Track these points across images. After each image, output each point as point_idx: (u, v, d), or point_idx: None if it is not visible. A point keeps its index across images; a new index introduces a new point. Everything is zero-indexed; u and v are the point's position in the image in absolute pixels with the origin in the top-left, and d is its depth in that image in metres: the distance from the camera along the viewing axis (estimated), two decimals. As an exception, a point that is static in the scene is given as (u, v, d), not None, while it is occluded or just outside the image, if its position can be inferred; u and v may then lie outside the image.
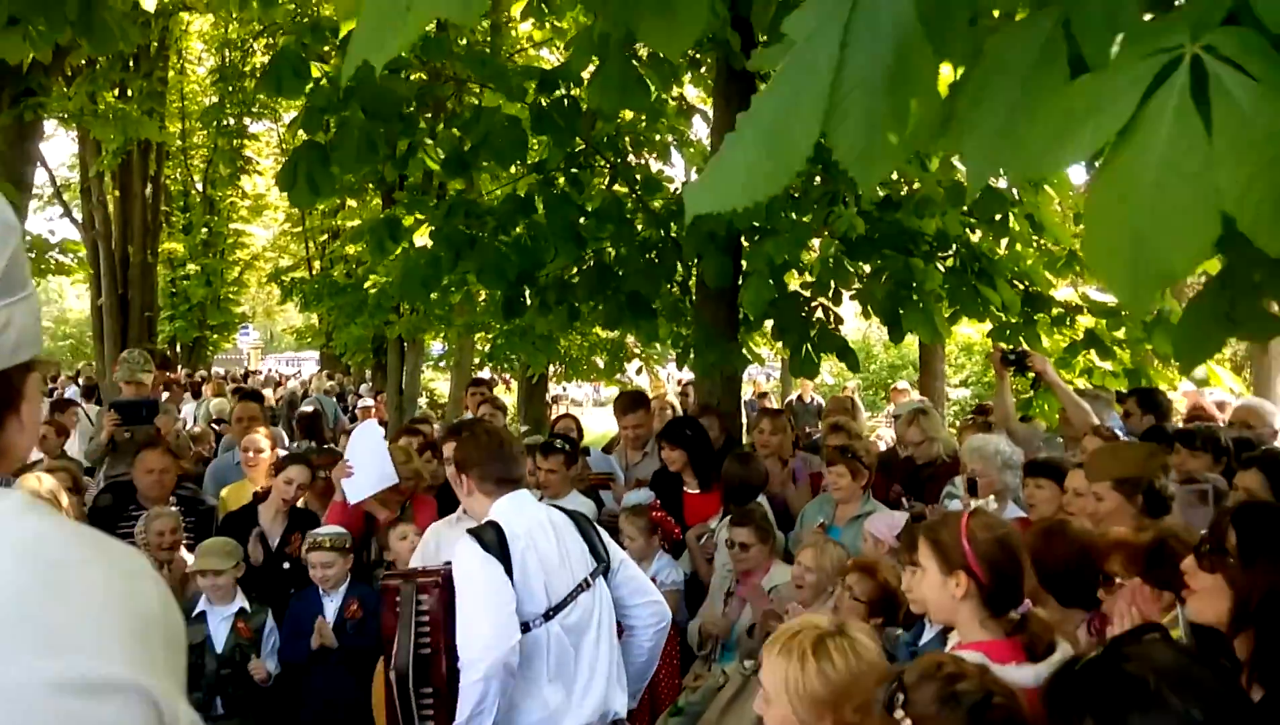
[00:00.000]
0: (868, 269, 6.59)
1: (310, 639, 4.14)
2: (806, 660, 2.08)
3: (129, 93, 12.41)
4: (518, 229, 6.34)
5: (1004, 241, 7.10)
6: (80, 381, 16.49)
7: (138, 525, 4.64)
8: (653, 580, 4.79)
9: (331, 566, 4.25)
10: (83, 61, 9.54)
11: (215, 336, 21.07)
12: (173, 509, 4.79)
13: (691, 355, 6.71)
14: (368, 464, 4.63)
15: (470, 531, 2.98)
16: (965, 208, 6.52)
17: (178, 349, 21.16)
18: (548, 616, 2.98)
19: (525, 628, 2.89)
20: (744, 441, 6.32)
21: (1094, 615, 2.77)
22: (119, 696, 0.68)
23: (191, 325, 20.97)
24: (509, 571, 2.89)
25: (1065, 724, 1.49)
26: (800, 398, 14.44)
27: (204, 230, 21.71)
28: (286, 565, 4.65)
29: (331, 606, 4.27)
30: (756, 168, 0.89)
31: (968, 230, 6.75)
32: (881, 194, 6.45)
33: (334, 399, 14.46)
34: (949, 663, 1.79)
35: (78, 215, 17.34)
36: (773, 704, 2.14)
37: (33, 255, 10.98)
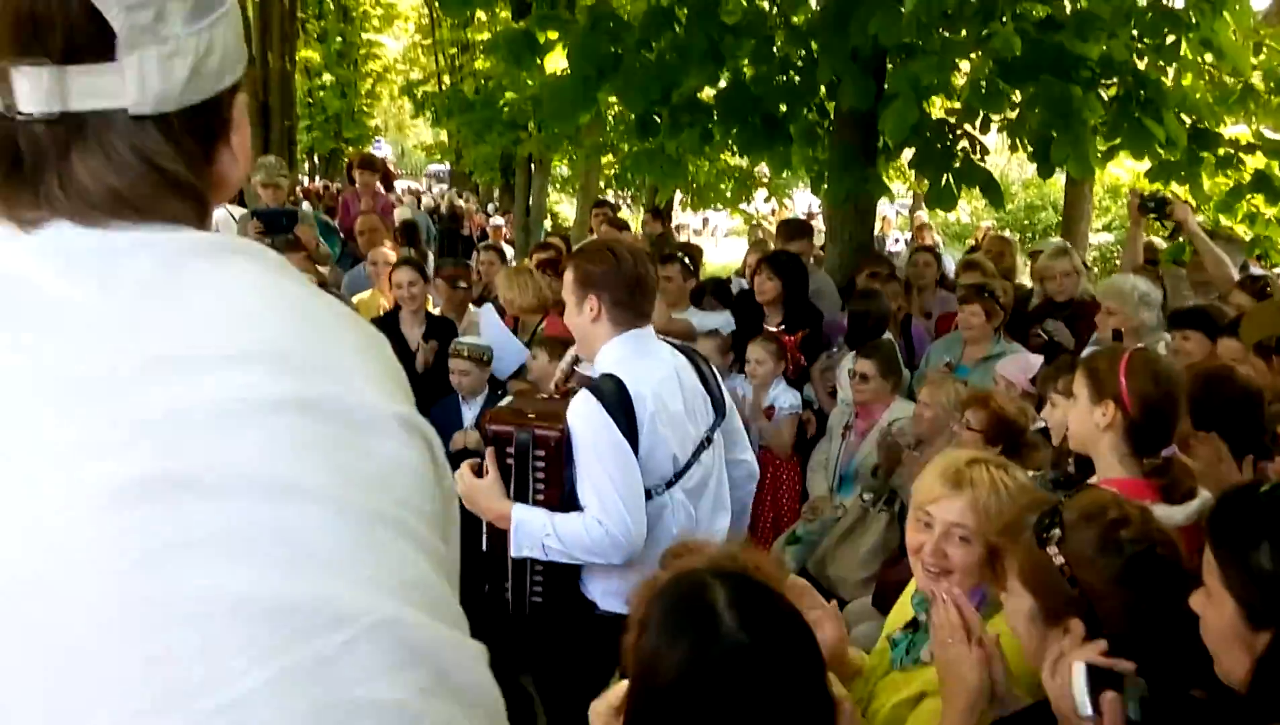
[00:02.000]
0: (1018, 97, 6.20)
1: (451, 441, 4.30)
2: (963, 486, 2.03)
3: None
4: (660, 44, 6.15)
5: (1173, 70, 6.53)
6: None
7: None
8: (771, 407, 4.90)
9: (468, 374, 4.43)
10: None
11: (350, 148, 21.48)
12: None
13: (825, 183, 6.53)
14: (500, 347, 4.74)
15: (591, 388, 2.59)
16: (1134, 31, 5.99)
17: (315, 160, 21.74)
18: (670, 484, 2.69)
19: (647, 494, 2.60)
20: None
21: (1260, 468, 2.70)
22: (405, 432, 0.67)
23: (328, 136, 21.43)
24: (635, 439, 2.56)
25: (1235, 548, 1.40)
26: (917, 237, 14.04)
27: (338, 39, 21.83)
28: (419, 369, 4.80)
29: (470, 414, 4.43)
30: None
31: (1135, 56, 6.22)
32: (1043, 13, 5.97)
33: (426, 215, 14.60)
34: (1112, 505, 1.70)
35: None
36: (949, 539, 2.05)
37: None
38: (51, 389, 0.61)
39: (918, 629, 2.09)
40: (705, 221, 22.04)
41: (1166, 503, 2.20)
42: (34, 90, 0.67)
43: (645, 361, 2.70)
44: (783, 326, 5.10)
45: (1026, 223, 19.83)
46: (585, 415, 2.53)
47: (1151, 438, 2.31)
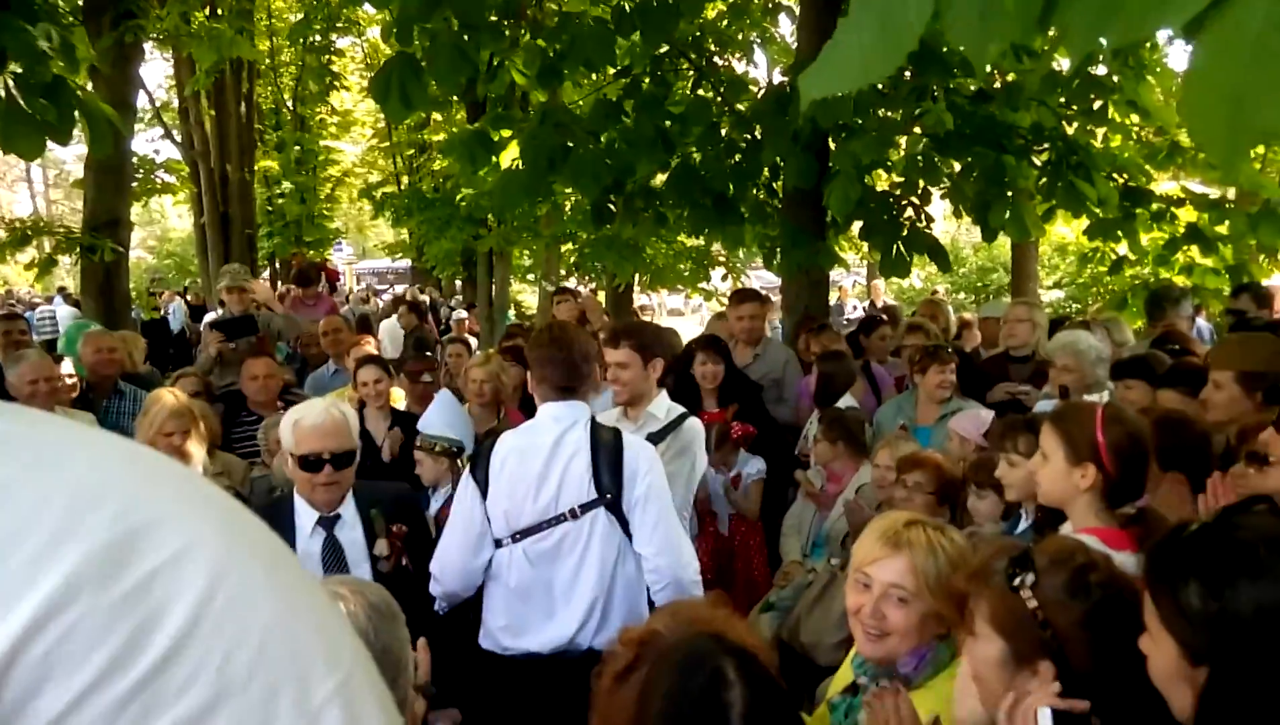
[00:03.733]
0: (958, 167, 6.46)
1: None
2: (915, 546, 2.06)
3: (219, 11, 12.61)
4: (608, 135, 6.36)
5: (1101, 132, 6.84)
6: (188, 299, 17.25)
7: (259, 433, 4.92)
8: (738, 475, 4.96)
9: (432, 468, 4.45)
10: (174, -18, 9.70)
11: (311, 252, 21.63)
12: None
13: (778, 257, 6.71)
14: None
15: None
16: (1062, 99, 6.30)
17: (277, 265, 21.83)
18: (515, 539, 3.06)
19: (498, 543, 3.09)
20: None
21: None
22: None
23: (289, 241, 21.56)
24: (485, 489, 3.08)
25: (1168, 589, 1.44)
26: (872, 302, 14.38)
27: (296, 147, 22.14)
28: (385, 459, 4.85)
29: (435, 504, 4.48)
30: (871, 49, 0.89)
31: (1064, 122, 6.53)
32: (973, 87, 6.27)
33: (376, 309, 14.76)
34: (1079, 551, 1.75)
35: (178, 136, 17.86)
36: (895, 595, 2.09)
37: (140, 175, 11.38)
38: None
39: (857, 693, 2.11)
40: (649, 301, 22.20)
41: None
42: None
43: (532, 428, 3.19)
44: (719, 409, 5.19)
45: (980, 285, 20.30)
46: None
47: (1127, 490, 2.39)
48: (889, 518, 2.21)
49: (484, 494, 3.07)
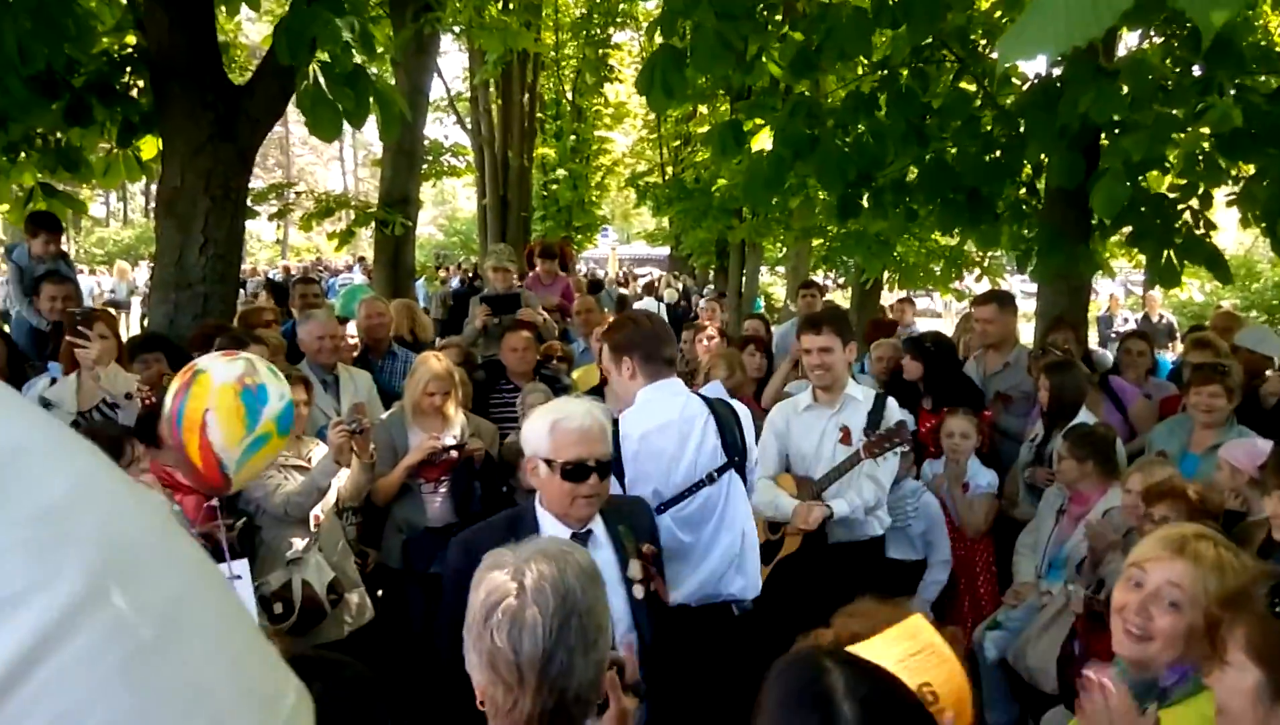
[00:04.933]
0: (1252, 170, 5.87)
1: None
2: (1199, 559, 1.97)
3: (509, 6, 13.56)
4: (859, 128, 6.32)
5: None
6: (468, 275, 18.74)
7: (518, 399, 5.34)
8: (966, 485, 4.85)
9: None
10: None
11: (580, 236, 22.83)
12: (543, 386, 5.40)
13: (1033, 261, 6.41)
14: None
15: None
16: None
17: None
18: (660, 510, 3.20)
19: None
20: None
21: None
22: None
23: (559, 225, 22.88)
24: (620, 472, 3.16)
25: None
26: (1147, 316, 13.23)
27: (572, 136, 23.44)
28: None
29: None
30: (1076, 9, 0.82)
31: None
32: (1274, 84, 5.68)
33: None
34: None
35: (468, 124, 19.38)
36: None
37: (430, 158, 12.50)
38: None
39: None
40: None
41: None
42: None
43: (651, 406, 3.32)
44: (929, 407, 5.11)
45: (1276, 302, 17.88)
46: None
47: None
48: (1176, 527, 2.13)
49: (622, 481, 3.23)
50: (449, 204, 42.38)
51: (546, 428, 2.65)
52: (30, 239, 6.30)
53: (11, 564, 0.50)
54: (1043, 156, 6.08)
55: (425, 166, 12.30)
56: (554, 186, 23.43)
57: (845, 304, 12.14)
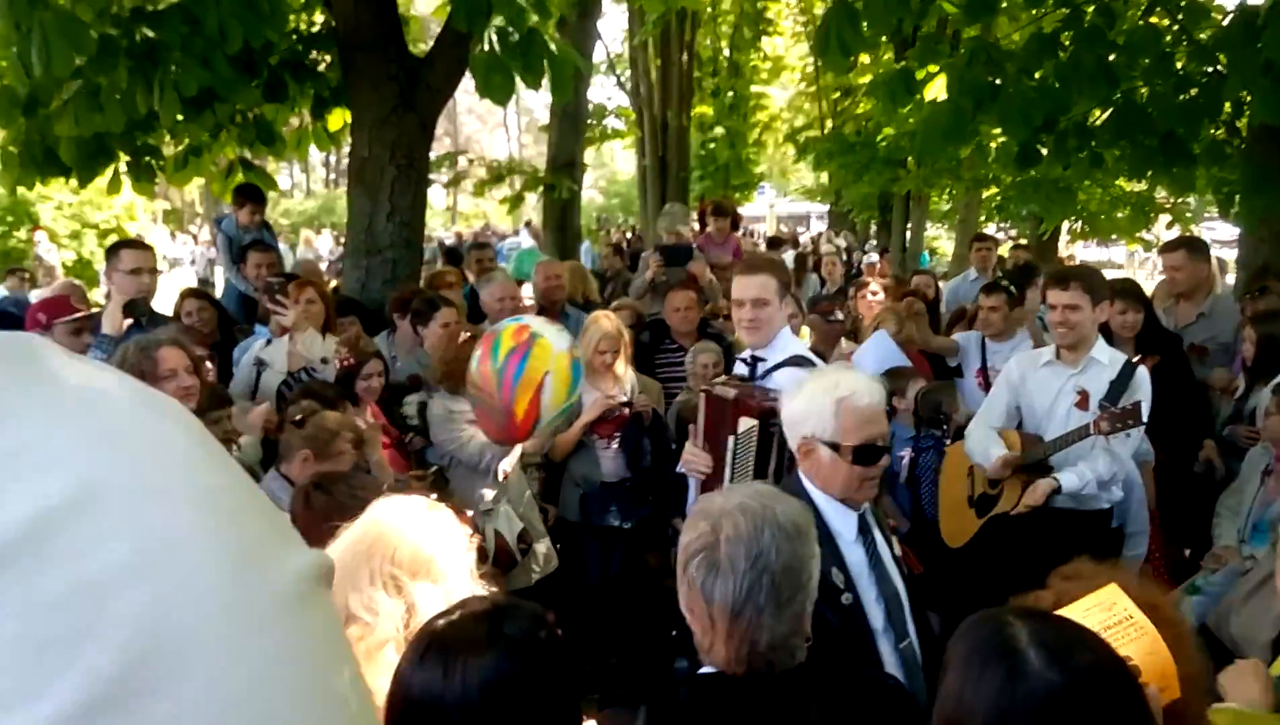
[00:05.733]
0: None
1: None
2: None
3: (668, -35, 13.54)
4: (1040, 72, 6.03)
5: None
6: (627, 236, 19.01)
7: (686, 358, 5.40)
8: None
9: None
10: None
11: (737, 195, 22.71)
12: (714, 345, 5.39)
13: (1235, 205, 5.99)
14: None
15: None
16: None
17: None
18: None
19: None
20: None
21: None
22: None
23: (717, 184, 22.82)
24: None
25: None
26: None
27: (729, 94, 23.26)
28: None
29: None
30: None
31: None
32: None
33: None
34: None
35: (627, 86, 19.53)
36: None
37: (593, 122, 12.70)
38: None
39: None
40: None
41: None
42: None
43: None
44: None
45: None
46: None
47: None
48: None
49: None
50: (607, 166, 42.90)
51: (831, 408, 2.40)
52: (237, 210, 6.83)
53: (2, 660, 0.40)
54: (1244, 93, 5.65)
55: (589, 130, 12.51)
56: (711, 145, 23.35)
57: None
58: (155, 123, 6.47)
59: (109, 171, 6.85)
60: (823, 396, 2.42)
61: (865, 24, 5.34)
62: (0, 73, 6.47)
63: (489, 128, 51.13)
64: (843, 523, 2.43)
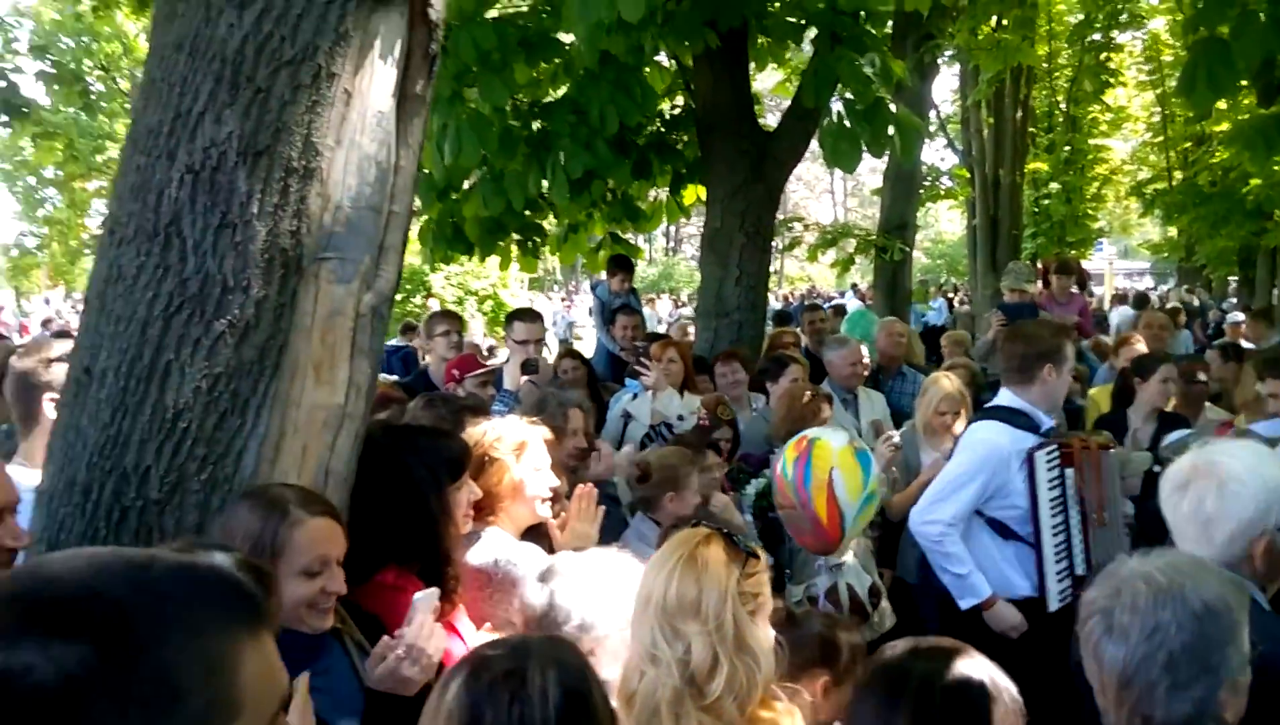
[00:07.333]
0: None
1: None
2: None
3: (1003, 22, 13.40)
4: None
5: None
6: (952, 298, 18.58)
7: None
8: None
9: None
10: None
11: (1072, 251, 21.50)
12: None
13: None
14: None
15: None
16: None
17: (1036, 265, 22.14)
18: None
19: None
20: None
21: None
22: None
23: (1051, 241, 21.71)
24: None
25: None
26: None
27: (1065, 148, 22.13)
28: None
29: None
30: None
31: None
32: None
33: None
34: None
35: (958, 145, 19.27)
36: None
37: (928, 182, 12.74)
38: None
39: None
40: None
41: None
42: None
43: None
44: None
45: None
46: None
47: None
48: None
49: None
50: (932, 227, 42.07)
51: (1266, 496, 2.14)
52: (609, 278, 7.74)
53: None
54: None
55: (921, 191, 12.57)
56: (1045, 201, 22.30)
57: None
58: (541, 203, 7.54)
59: (503, 248, 8.03)
60: (1262, 492, 2.15)
61: (1238, 59, 5.06)
62: (421, 163, 7.85)
63: (816, 194, 52.34)
64: None
